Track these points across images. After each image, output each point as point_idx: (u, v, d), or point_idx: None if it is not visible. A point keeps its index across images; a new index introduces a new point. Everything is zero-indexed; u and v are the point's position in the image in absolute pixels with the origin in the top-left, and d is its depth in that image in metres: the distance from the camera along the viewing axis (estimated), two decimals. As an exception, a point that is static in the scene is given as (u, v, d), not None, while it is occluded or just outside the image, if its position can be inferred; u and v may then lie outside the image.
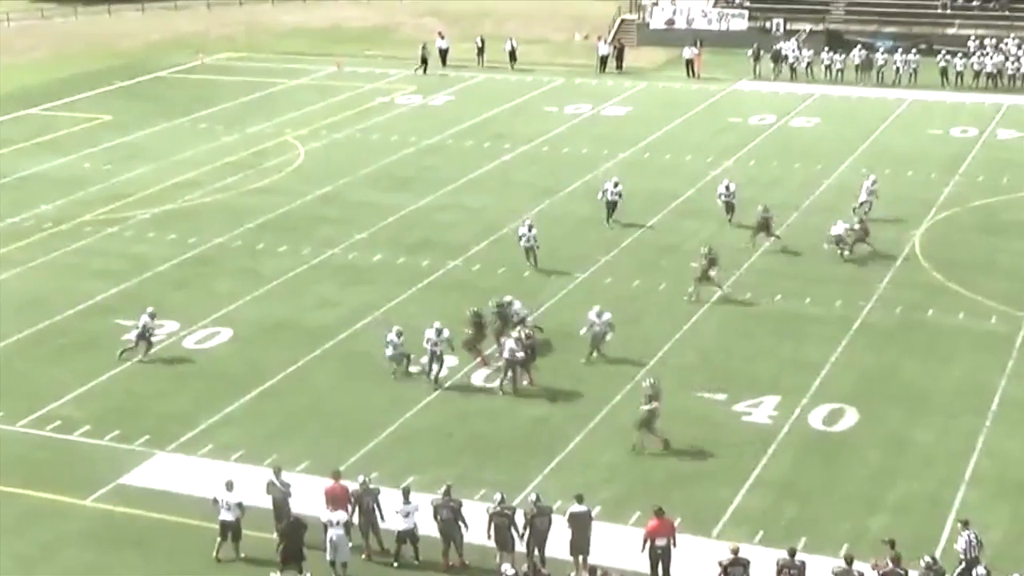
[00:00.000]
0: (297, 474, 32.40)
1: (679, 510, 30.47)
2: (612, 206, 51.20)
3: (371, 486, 29.82)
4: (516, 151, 63.55)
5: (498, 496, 29.36)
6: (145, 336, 40.22)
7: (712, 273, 43.85)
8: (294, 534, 28.95)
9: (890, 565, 26.52)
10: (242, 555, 29.82)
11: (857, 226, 47.88)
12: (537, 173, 59.86)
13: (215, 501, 29.75)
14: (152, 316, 40.53)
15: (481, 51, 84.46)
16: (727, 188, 51.41)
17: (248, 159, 62.62)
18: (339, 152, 63.86)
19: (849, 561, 26.83)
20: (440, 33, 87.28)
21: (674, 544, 28.38)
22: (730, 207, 51.19)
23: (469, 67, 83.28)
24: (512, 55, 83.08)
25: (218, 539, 29.79)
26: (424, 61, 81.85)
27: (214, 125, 69.37)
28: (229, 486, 29.70)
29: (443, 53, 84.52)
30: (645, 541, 28.43)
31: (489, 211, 54.09)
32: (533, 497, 29.44)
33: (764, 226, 48.51)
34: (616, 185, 51.33)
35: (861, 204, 50.87)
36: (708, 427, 35.78)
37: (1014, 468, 33.46)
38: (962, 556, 27.53)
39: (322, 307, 44.44)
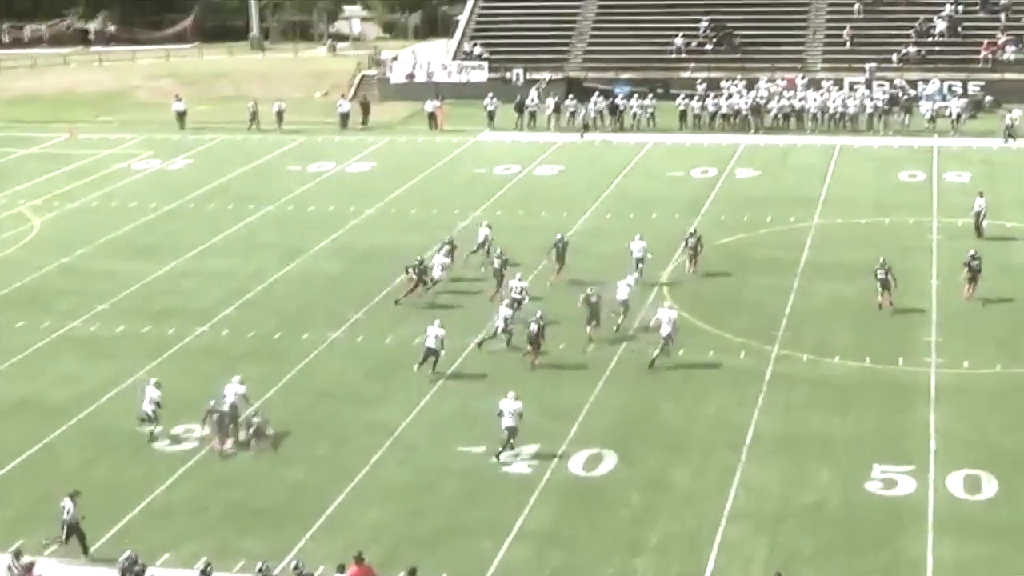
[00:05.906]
0: (45, 559, 31.06)
1: (444, 566, 30.11)
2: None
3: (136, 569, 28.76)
4: (261, 212, 62.62)
5: (260, 565, 28.67)
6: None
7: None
8: None
9: None
10: None
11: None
12: (283, 233, 59.03)
13: None
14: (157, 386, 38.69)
15: (255, 116, 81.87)
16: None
17: (-20, 233, 60.46)
18: (76, 222, 62.03)
19: None
20: (177, 95, 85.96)
21: None
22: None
23: (208, 129, 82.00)
24: (280, 116, 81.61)
25: None
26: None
27: (-58, 199, 66.87)
28: None
29: (181, 116, 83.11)
30: None
31: (235, 274, 53.08)
32: (294, 564, 28.84)
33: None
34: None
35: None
36: (469, 480, 35.53)
37: (770, 501, 33.96)
38: None
39: (65, 382, 42.88)
